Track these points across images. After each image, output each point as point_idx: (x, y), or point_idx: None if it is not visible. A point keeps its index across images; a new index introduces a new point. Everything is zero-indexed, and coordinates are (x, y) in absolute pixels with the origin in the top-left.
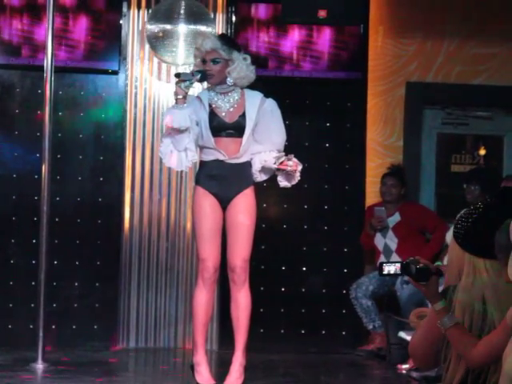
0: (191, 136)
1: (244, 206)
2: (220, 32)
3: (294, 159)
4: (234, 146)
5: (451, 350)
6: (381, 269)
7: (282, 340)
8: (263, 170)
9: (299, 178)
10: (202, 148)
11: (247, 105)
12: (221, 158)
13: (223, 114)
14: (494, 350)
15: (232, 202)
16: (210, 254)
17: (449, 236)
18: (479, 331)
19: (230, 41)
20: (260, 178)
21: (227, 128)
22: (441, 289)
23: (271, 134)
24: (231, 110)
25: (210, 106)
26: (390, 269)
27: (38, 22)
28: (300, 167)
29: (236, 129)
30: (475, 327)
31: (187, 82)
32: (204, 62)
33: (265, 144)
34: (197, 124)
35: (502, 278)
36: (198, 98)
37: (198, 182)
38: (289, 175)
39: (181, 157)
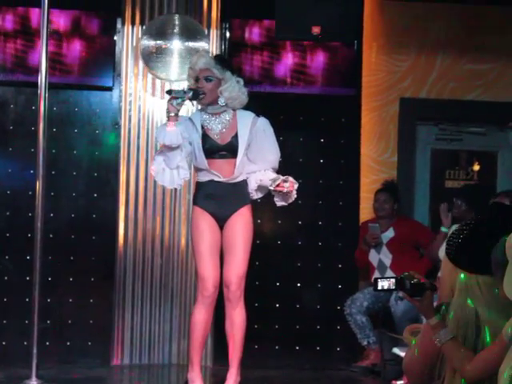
0: (183, 154)
1: (240, 224)
2: (214, 48)
3: (291, 179)
4: (228, 167)
5: (446, 367)
6: (375, 284)
7: (277, 356)
8: (259, 188)
9: (296, 196)
10: (196, 169)
11: (239, 125)
12: (216, 179)
13: (216, 135)
14: (489, 365)
15: (229, 221)
16: (209, 273)
17: (442, 252)
18: (473, 347)
19: (223, 61)
20: (256, 195)
21: (220, 150)
22: (434, 305)
23: (265, 153)
24: (223, 131)
25: (202, 127)
26: (385, 284)
27: (32, 38)
28: (296, 186)
29: (229, 150)
30: (469, 344)
31: (179, 100)
32: (197, 80)
33: (259, 163)
34: (190, 143)
35: (496, 293)
36: (190, 119)
37: (195, 202)
38: (285, 195)
39: (173, 175)
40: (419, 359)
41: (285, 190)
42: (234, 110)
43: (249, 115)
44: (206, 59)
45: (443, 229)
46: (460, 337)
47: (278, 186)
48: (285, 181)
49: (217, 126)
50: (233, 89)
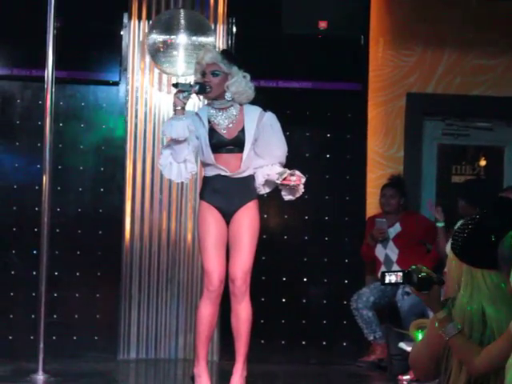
0: (190, 147)
1: (247, 219)
2: (220, 43)
3: (298, 173)
4: (235, 162)
5: (452, 361)
6: (382, 278)
7: (283, 351)
8: (266, 183)
9: (303, 191)
10: (203, 164)
11: (246, 120)
12: (222, 173)
13: (223, 130)
14: (496, 360)
15: (235, 215)
16: (215, 267)
17: (448, 247)
18: (479, 342)
19: (230, 55)
20: (263, 190)
21: (227, 144)
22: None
23: (272, 148)
24: (230, 125)
25: (209, 122)
26: (392, 278)
27: (38, 32)
28: (303, 180)
29: (236, 144)
30: (475, 338)
31: (185, 93)
32: (204, 74)
33: (266, 158)
34: (197, 138)
35: (502, 288)
36: (197, 115)
37: (201, 196)
38: (293, 189)
39: (180, 168)
40: (426, 353)
41: (291, 183)
42: (241, 104)
43: (256, 110)
44: (212, 54)
45: (438, 224)
46: (466, 332)
47: (284, 179)
48: (291, 174)
49: (224, 120)
50: (239, 83)
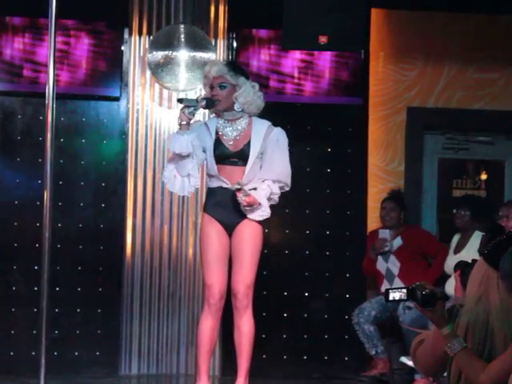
0: (194, 162)
1: (248, 232)
2: (220, 58)
3: (253, 195)
4: (238, 175)
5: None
6: (386, 295)
7: (285, 365)
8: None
9: (265, 216)
10: (208, 175)
11: (253, 133)
12: (224, 185)
13: (229, 142)
14: (502, 375)
15: (237, 228)
16: (215, 280)
17: (447, 266)
18: (482, 348)
19: (236, 67)
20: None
21: (231, 156)
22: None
23: (273, 162)
24: (238, 138)
25: (216, 133)
26: (396, 295)
27: (39, 48)
28: (255, 205)
29: (240, 157)
30: (478, 345)
31: (191, 108)
32: (212, 88)
33: (265, 172)
34: (203, 151)
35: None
36: (206, 125)
37: (205, 209)
38: (246, 207)
39: (183, 182)
40: (431, 354)
41: (237, 198)
42: (251, 116)
43: (264, 124)
44: (218, 67)
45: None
46: (469, 341)
47: (239, 191)
48: (247, 194)
49: (232, 132)
50: (248, 93)
